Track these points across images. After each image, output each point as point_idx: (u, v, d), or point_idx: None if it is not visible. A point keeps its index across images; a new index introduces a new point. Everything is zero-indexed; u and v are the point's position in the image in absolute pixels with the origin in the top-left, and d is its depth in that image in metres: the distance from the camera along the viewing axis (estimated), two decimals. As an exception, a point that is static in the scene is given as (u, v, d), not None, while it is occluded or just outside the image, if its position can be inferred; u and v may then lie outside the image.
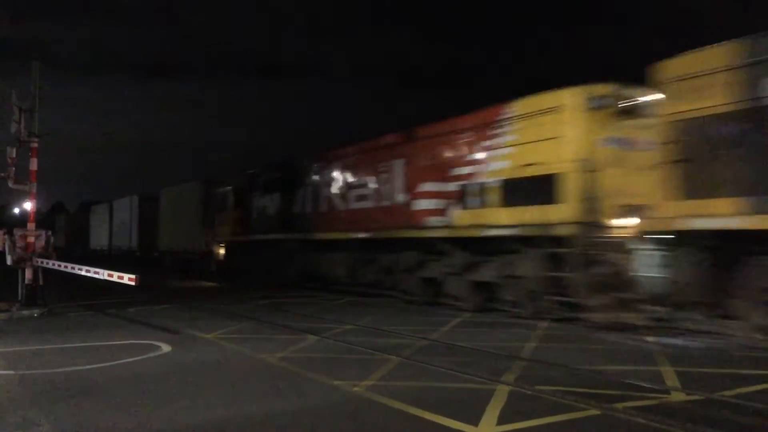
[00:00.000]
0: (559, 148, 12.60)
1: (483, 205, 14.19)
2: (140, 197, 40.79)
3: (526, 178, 13.14)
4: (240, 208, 25.74)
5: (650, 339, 10.74)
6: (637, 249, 11.40)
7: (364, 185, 18.41)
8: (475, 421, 5.99)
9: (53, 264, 15.59)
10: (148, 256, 39.35)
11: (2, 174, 15.64)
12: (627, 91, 12.46)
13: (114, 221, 46.78)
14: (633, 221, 11.91)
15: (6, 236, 15.69)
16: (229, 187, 27.03)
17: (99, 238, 51.22)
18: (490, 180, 14.05)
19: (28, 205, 16.35)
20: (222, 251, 27.87)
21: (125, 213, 43.66)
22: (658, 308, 11.06)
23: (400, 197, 16.74)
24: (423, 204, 15.91)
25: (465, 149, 14.83)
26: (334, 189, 19.78)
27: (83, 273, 14.83)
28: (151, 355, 9.63)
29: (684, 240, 10.29)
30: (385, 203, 17.30)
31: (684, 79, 10.23)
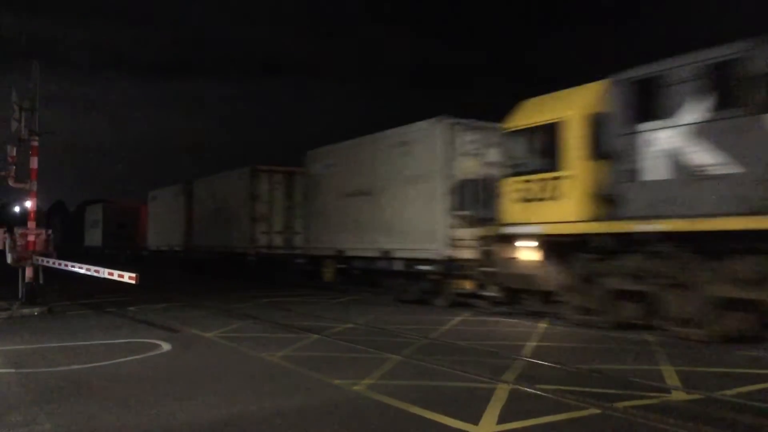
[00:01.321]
0: None
1: None
2: (252, 169, 26.07)
3: None
4: (603, 160, 11.83)
5: (651, 338, 10.74)
6: None
7: None
8: (475, 420, 5.98)
9: (53, 262, 15.59)
10: (273, 263, 25.60)
11: (3, 172, 15.65)
12: None
13: (195, 210, 31.72)
14: None
15: (6, 235, 15.70)
16: (559, 119, 12.54)
17: (165, 235, 35.74)
18: None
19: (29, 204, 16.35)
20: (527, 256, 13.29)
21: (218, 196, 29.00)
22: None
23: None
24: None
25: None
26: None
27: (83, 271, 14.83)
28: (151, 353, 9.63)
29: None
30: None
31: None
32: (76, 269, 15.03)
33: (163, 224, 36.45)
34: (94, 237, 49.26)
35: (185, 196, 32.85)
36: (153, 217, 38.72)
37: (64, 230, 56.94)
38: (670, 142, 10.68)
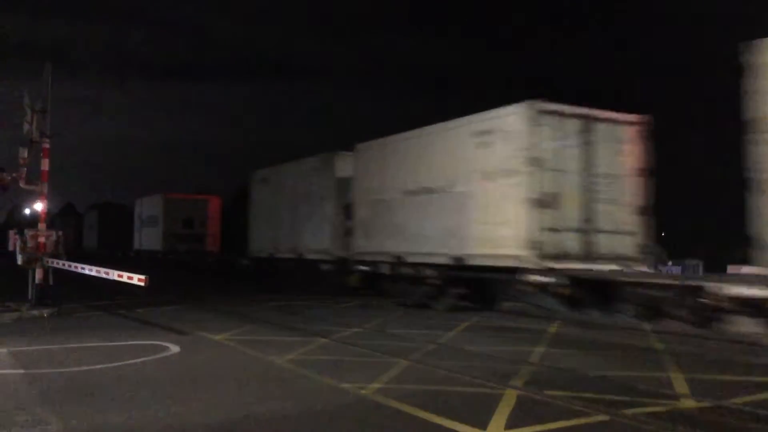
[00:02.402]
0: None
1: None
2: (533, 108, 13.86)
3: None
4: None
5: (660, 346, 10.69)
6: None
7: None
8: (483, 425, 5.97)
9: (63, 264, 15.67)
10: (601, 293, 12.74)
11: (14, 174, 15.75)
12: None
13: (362, 193, 19.49)
14: None
15: (17, 236, 15.80)
16: None
17: (287, 236, 23.59)
18: None
19: (39, 206, 16.45)
20: None
21: (429, 164, 16.79)
22: None
23: None
24: None
25: None
26: None
27: (93, 273, 14.89)
28: (160, 355, 9.66)
29: None
30: None
31: None
32: (85, 271, 15.10)
33: (284, 219, 23.73)
34: (150, 238, 38.10)
35: (335, 173, 21.06)
36: (259, 209, 25.96)
37: (101, 231, 49.29)
38: None
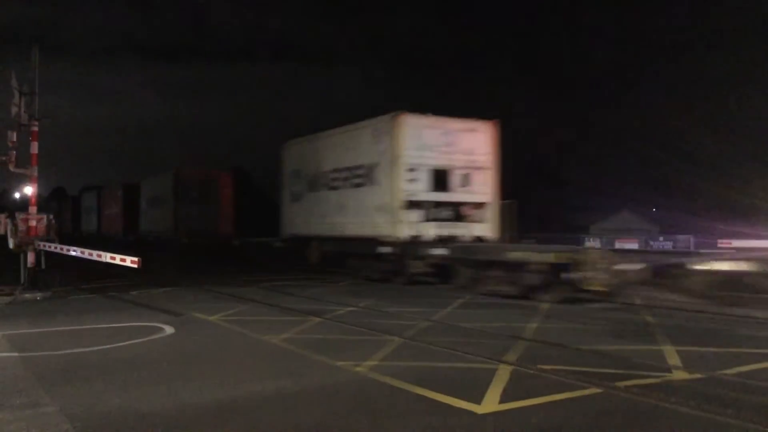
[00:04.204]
0: None
1: None
2: None
3: None
4: None
5: (652, 319, 10.78)
6: None
7: None
8: (478, 399, 6.02)
9: (55, 247, 15.61)
10: None
11: (3, 157, 15.61)
12: None
13: None
14: None
15: (8, 220, 15.71)
16: None
17: None
18: None
19: (29, 190, 16.33)
20: None
21: None
22: None
23: None
24: None
25: None
26: None
27: (84, 256, 14.85)
28: (155, 337, 9.67)
29: None
30: None
31: None
32: (77, 254, 15.06)
33: None
34: (354, 214, 19.26)
35: None
36: None
37: (179, 207, 32.30)
38: None
